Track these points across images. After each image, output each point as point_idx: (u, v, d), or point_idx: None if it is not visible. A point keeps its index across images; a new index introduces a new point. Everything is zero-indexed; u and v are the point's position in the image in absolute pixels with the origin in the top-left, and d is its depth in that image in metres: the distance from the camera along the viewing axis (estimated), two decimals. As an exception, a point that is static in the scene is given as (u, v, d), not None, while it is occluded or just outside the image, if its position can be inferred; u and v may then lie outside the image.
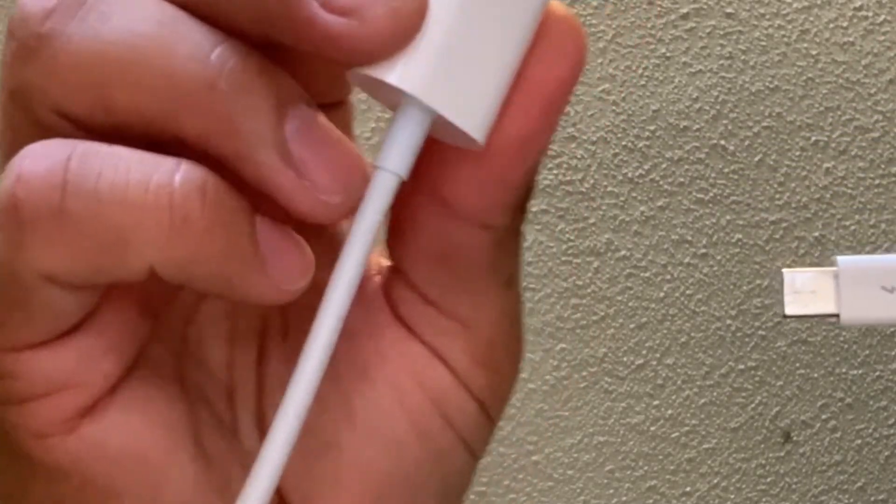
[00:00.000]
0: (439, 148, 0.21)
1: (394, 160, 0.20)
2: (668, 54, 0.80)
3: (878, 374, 0.81)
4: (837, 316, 0.42)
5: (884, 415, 0.81)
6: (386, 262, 0.23)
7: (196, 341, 0.23)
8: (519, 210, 0.22)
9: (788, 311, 0.42)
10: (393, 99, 0.21)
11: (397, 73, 0.20)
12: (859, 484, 0.81)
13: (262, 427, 0.23)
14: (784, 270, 0.42)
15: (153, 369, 0.22)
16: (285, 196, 0.20)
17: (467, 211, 0.21)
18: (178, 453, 0.22)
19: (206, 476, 0.22)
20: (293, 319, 0.23)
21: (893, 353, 0.80)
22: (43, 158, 0.19)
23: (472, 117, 0.20)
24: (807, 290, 0.42)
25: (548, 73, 0.20)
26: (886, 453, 0.81)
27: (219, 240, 0.19)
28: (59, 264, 0.19)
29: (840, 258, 0.42)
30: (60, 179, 0.19)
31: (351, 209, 0.20)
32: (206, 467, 0.22)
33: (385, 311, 0.23)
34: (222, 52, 0.19)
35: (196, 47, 0.19)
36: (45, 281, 0.19)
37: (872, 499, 0.81)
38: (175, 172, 0.19)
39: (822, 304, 0.42)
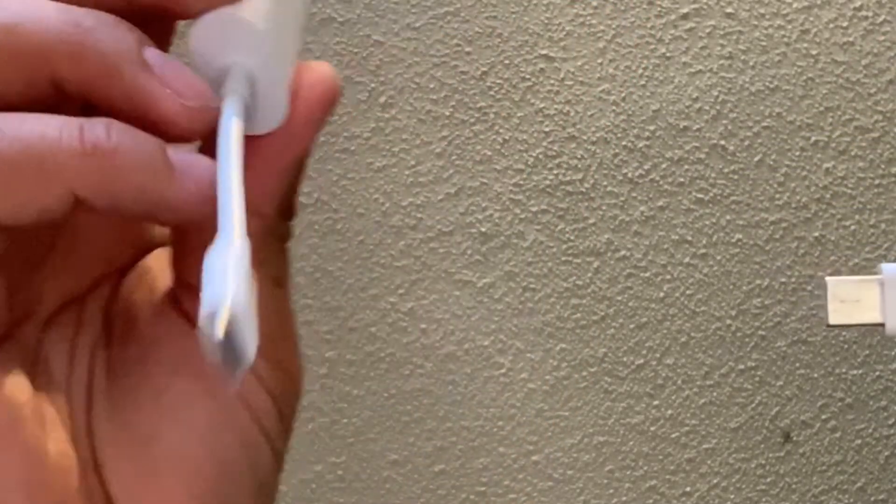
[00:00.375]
0: None
1: (239, 86, 0.24)
2: (668, 54, 0.80)
3: (878, 374, 0.81)
4: (883, 325, 0.41)
5: (884, 415, 0.81)
6: (166, 287, 0.27)
7: (45, 355, 0.25)
8: (283, 208, 0.26)
9: (832, 320, 0.41)
10: (217, 62, 0.24)
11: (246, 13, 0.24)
12: (859, 484, 0.81)
13: (91, 438, 0.25)
14: (828, 279, 0.41)
15: (4, 367, 0.24)
16: (153, 101, 0.23)
17: None
18: (11, 447, 0.23)
19: (38, 475, 0.23)
20: (117, 333, 0.26)
21: (893, 353, 0.80)
22: None
23: (284, 86, 0.25)
24: (851, 299, 0.41)
25: (316, 84, 0.25)
26: (886, 453, 0.81)
27: (129, 157, 0.22)
28: None
29: (885, 266, 0.41)
30: None
31: (207, 123, 0.24)
32: (41, 468, 0.23)
33: (180, 321, 0.25)
34: (86, 9, 0.23)
35: (64, 7, 0.23)
36: None
37: (872, 499, 0.81)
38: (84, 119, 0.23)
39: (867, 314, 0.41)
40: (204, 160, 0.24)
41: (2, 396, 0.23)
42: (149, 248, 0.28)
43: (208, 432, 0.25)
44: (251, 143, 0.25)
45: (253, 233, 0.25)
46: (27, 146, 0.22)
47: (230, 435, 0.25)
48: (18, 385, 0.24)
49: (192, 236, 0.25)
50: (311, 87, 0.25)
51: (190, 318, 0.26)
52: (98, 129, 0.22)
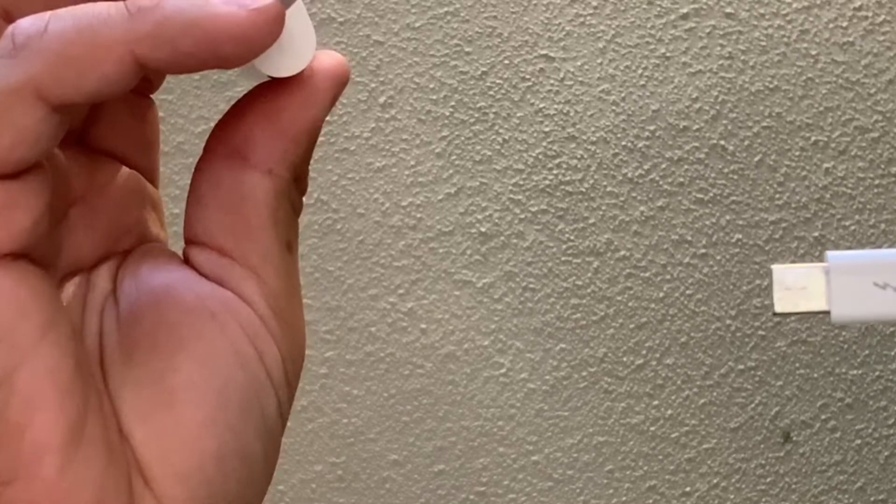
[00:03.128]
0: (241, 112, 0.27)
1: None
2: (668, 54, 0.80)
3: (877, 374, 0.81)
4: (828, 313, 0.41)
5: (884, 415, 0.81)
6: (173, 254, 0.29)
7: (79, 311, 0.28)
8: (296, 176, 0.28)
9: (778, 308, 0.42)
10: None
11: None
12: (859, 484, 0.81)
13: (106, 381, 0.26)
14: (773, 267, 0.42)
15: (47, 279, 0.25)
16: None
17: (258, 157, 0.27)
18: (47, 343, 0.24)
19: (67, 372, 0.24)
20: (126, 290, 0.28)
21: (893, 353, 0.80)
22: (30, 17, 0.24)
23: (311, 26, 0.27)
24: (797, 287, 0.41)
25: (331, 61, 0.27)
26: (886, 453, 0.81)
27: (172, 4, 0.24)
28: (49, 73, 0.23)
29: (830, 253, 0.42)
30: (46, 16, 0.24)
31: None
32: (69, 367, 0.25)
33: (193, 273, 0.27)
34: None
35: None
36: (38, 99, 0.23)
37: (872, 499, 0.81)
38: None
39: (813, 301, 0.41)
40: None
41: (43, 298, 0.24)
42: (149, 238, 0.29)
43: (222, 367, 0.26)
44: (266, 113, 0.27)
45: (269, 191, 0.27)
46: (80, 22, 0.24)
47: (242, 373, 0.26)
48: (53, 294, 0.25)
49: (206, 194, 0.27)
50: (327, 62, 0.27)
51: (201, 272, 0.27)
52: (140, 0, 0.24)
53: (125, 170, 0.29)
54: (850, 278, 0.40)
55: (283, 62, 0.27)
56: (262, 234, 0.27)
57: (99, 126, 0.28)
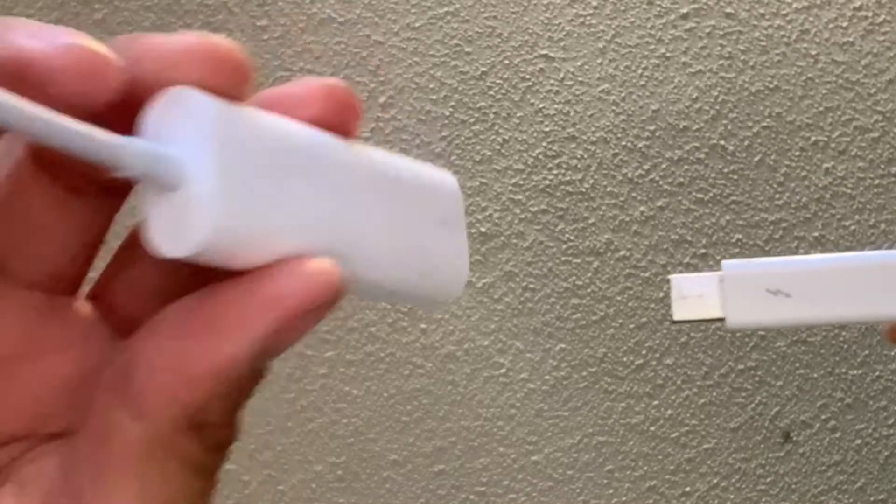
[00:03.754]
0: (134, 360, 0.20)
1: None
2: (668, 54, 0.80)
3: (877, 374, 0.81)
4: (723, 320, 0.42)
5: (883, 415, 0.81)
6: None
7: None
8: (196, 423, 0.20)
9: (676, 316, 0.43)
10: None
11: None
12: (859, 484, 0.81)
13: None
14: (671, 277, 0.43)
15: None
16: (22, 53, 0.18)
17: (132, 391, 0.19)
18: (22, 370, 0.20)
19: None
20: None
21: (893, 353, 0.80)
22: None
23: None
24: (693, 295, 0.43)
25: (302, 273, 0.19)
26: (886, 453, 0.81)
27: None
28: None
29: (725, 262, 0.43)
30: None
31: (76, 57, 0.18)
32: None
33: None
34: None
35: None
36: None
37: (872, 499, 0.81)
38: None
39: (709, 309, 0.43)
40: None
41: None
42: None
43: None
44: (166, 365, 0.19)
45: (137, 437, 0.19)
46: None
47: None
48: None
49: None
50: (290, 274, 0.19)
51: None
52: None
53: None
54: (743, 286, 0.41)
55: (180, 244, 0.17)
56: (119, 488, 0.19)
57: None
